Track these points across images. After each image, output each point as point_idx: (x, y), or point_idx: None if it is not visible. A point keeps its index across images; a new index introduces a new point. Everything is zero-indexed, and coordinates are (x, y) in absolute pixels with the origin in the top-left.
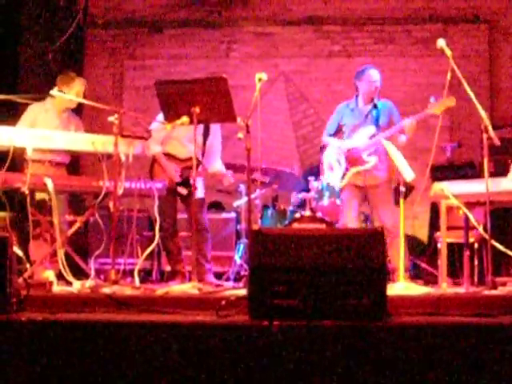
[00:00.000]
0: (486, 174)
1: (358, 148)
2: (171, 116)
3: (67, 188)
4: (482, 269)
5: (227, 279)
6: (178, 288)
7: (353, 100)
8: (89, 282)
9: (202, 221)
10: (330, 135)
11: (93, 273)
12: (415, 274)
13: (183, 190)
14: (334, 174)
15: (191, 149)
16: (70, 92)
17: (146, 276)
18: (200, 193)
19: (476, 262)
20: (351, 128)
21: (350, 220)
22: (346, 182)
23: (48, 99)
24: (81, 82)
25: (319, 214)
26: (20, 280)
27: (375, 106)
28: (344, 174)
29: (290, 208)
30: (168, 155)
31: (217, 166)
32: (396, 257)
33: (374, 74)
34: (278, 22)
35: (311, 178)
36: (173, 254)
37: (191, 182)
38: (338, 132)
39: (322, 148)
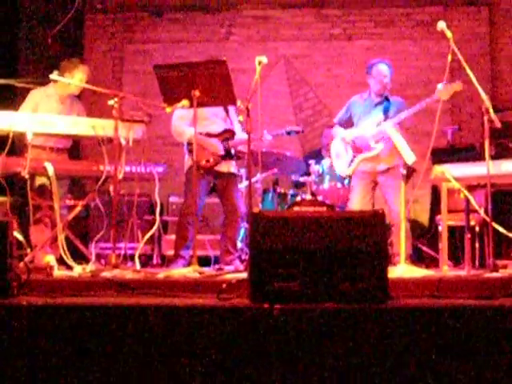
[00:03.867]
0: (487, 156)
1: (365, 135)
2: (171, 99)
3: (67, 173)
4: (482, 251)
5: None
6: (178, 272)
7: (366, 92)
8: (89, 267)
9: (237, 204)
10: (340, 122)
11: (93, 257)
12: (416, 257)
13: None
14: (341, 162)
15: (220, 123)
16: (72, 78)
17: (146, 260)
18: (234, 168)
19: (477, 245)
20: (359, 116)
21: (357, 205)
22: (354, 169)
23: (50, 84)
24: (84, 69)
25: (320, 198)
26: (21, 264)
27: (387, 100)
28: (351, 161)
29: (291, 191)
30: (205, 134)
31: (241, 134)
32: (399, 241)
33: (384, 70)
34: (278, 5)
35: (312, 162)
36: (183, 237)
37: (232, 152)
38: (348, 121)
39: (323, 132)
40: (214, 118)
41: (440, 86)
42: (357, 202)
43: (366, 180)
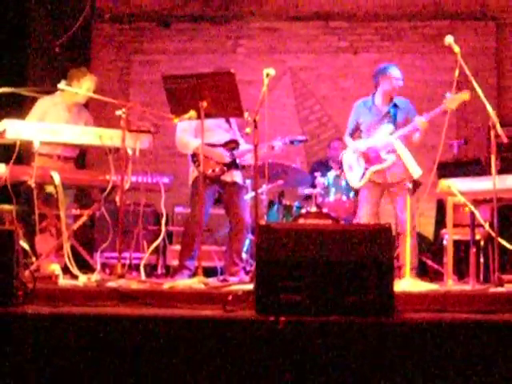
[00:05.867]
0: (494, 171)
1: (377, 147)
2: (178, 110)
3: (74, 182)
4: (487, 266)
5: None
6: (184, 282)
7: (369, 98)
8: (95, 276)
9: (242, 216)
10: (350, 134)
11: (99, 266)
12: (421, 271)
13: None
14: (353, 174)
15: (224, 134)
16: (79, 87)
17: (151, 270)
18: (240, 178)
19: (482, 260)
20: (368, 127)
21: (367, 217)
22: (366, 181)
23: (58, 93)
24: (92, 78)
25: (325, 210)
26: (26, 273)
27: (395, 106)
28: (363, 174)
29: (296, 204)
30: (208, 145)
31: (245, 146)
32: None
33: (398, 73)
34: (285, 17)
35: (317, 174)
36: (188, 248)
37: (237, 161)
38: (356, 130)
39: (330, 144)
40: (216, 130)
41: (448, 95)
42: (366, 215)
43: (375, 192)
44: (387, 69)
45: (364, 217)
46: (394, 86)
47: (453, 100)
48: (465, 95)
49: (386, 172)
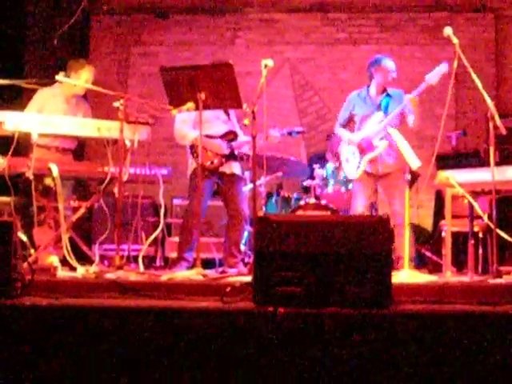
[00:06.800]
0: (492, 162)
1: (369, 136)
2: (177, 102)
3: (72, 174)
4: (486, 258)
5: None
6: (182, 274)
7: (364, 89)
8: (93, 268)
9: (240, 207)
10: (342, 125)
11: (97, 258)
12: (420, 263)
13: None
14: (350, 166)
15: (222, 125)
16: (78, 78)
17: (149, 262)
18: (238, 170)
19: (480, 251)
20: (362, 118)
21: (360, 209)
22: (362, 171)
23: (56, 84)
24: (90, 70)
25: (324, 202)
26: (24, 265)
27: (388, 95)
28: (359, 164)
29: (295, 195)
30: (207, 136)
31: (243, 137)
32: (402, 245)
33: (391, 65)
34: (284, 8)
35: (316, 166)
36: (186, 240)
37: (236, 153)
38: (349, 121)
39: (329, 137)
40: (215, 121)
41: (428, 75)
42: (360, 207)
43: (368, 184)
44: (381, 61)
45: (358, 209)
46: (388, 78)
47: (433, 75)
48: (443, 66)
49: (379, 162)
